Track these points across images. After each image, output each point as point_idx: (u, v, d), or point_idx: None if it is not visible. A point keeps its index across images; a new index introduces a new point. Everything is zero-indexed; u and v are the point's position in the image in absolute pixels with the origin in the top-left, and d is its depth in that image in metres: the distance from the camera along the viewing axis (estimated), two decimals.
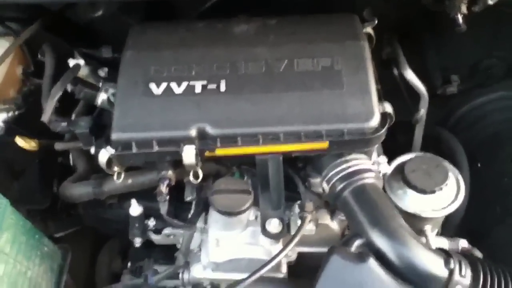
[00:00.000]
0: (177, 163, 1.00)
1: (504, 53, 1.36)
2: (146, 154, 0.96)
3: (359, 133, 0.95)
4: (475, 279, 0.89)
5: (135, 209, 1.07)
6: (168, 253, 1.23)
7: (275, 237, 0.99)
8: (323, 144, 0.96)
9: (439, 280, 0.88)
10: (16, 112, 1.16)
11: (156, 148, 0.95)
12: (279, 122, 0.95)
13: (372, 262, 0.88)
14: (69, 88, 1.07)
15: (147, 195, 1.11)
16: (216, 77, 0.99)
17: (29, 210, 1.18)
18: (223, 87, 0.98)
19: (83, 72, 1.10)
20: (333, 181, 0.98)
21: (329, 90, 0.97)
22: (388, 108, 0.99)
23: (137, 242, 1.12)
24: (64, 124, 1.02)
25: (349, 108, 0.96)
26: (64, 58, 1.14)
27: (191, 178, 1.00)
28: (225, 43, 1.05)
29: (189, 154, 0.94)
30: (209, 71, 1.00)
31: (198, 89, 0.98)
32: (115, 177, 1.02)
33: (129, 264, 1.29)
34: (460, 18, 1.06)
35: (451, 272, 0.88)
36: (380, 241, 0.90)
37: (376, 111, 0.96)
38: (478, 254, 1.06)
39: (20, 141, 1.08)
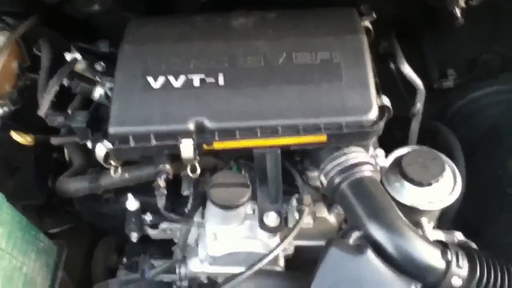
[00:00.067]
0: (175, 157, 1.00)
1: (500, 47, 1.37)
2: (144, 148, 0.95)
3: (358, 126, 0.95)
4: (472, 270, 0.89)
5: (131, 203, 1.07)
6: (164, 248, 1.23)
7: (272, 230, 1.00)
8: (322, 137, 0.96)
9: (436, 271, 0.88)
10: (12, 108, 1.15)
11: (153, 142, 0.95)
12: (278, 115, 0.96)
13: (370, 254, 0.88)
14: (65, 82, 1.06)
15: (143, 189, 1.10)
16: (214, 71, 0.99)
17: (24, 206, 1.17)
18: (221, 81, 0.98)
19: (80, 66, 1.10)
20: (331, 174, 0.98)
21: (328, 83, 0.98)
22: (386, 101, 1.00)
23: (134, 237, 1.11)
24: (60, 118, 1.01)
25: (347, 101, 0.96)
26: (60, 52, 1.13)
27: (188, 172, 1.00)
28: (223, 36, 1.05)
29: (187, 148, 0.94)
30: (207, 65, 1.00)
31: (196, 83, 0.98)
32: (112, 171, 1.02)
33: (124, 259, 1.29)
34: (458, 11, 1.07)
35: (448, 263, 0.89)
36: (378, 233, 0.90)
37: (374, 104, 0.96)
38: (474, 246, 1.06)
39: (15, 136, 1.07)
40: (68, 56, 1.09)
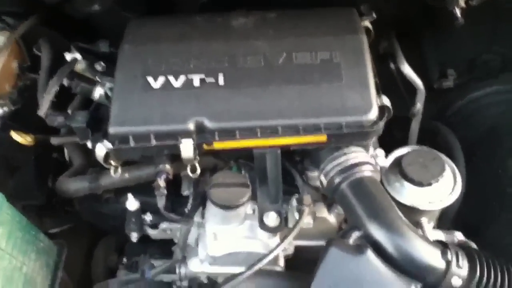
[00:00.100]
0: (175, 157, 1.00)
1: (500, 47, 1.37)
2: (144, 148, 0.95)
3: (358, 126, 0.95)
4: (472, 270, 0.89)
5: (132, 203, 1.06)
6: (164, 248, 1.23)
7: (272, 230, 0.99)
8: (322, 137, 0.96)
9: (436, 271, 0.88)
10: (12, 108, 1.15)
11: (153, 142, 0.95)
12: (278, 115, 0.96)
13: (370, 254, 0.88)
14: (65, 82, 1.06)
15: (143, 189, 1.10)
16: (214, 71, 0.99)
17: (24, 206, 1.17)
18: (221, 81, 0.98)
19: (80, 66, 1.10)
20: (331, 174, 0.98)
21: (328, 83, 0.98)
22: (386, 101, 1.00)
23: (134, 237, 1.11)
24: (61, 118, 1.01)
25: (347, 101, 0.96)
26: (60, 52, 1.13)
27: (188, 172, 1.00)
28: (223, 36, 1.05)
29: (187, 148, 0.94)
30: (207, 65, 1.00)
31: (196, 83, 0.98)
32: (112, 171, 1.02)
33: (124, 259, 1.29)
34: (458, 11, 1.07)
35: (448, 263, 0.89)
36: (378, 233, 0.90)
37: (375, 104, 0.96)
38: (474, 246, 1.06)
39: (15, 136, 1.07)
40: (68, 56, 1.09)
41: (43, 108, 1.01)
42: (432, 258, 0.89)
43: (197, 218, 1.07)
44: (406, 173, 1.04)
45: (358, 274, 0.88)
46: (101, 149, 0.96)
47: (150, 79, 0.99)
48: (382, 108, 0.98)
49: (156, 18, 1.12)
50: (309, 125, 0.95)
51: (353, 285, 0.88)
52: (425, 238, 0.92)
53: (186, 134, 0.94)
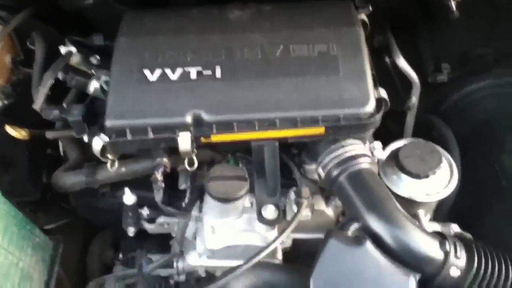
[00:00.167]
0: (172, 150, 1.00)
1: (494, 42, 1.37)
2: (141, 141, 0.95)
3: (355, 118, 0.95)
4: (470, 260, 0.90)
5: (128, 197, 1.06)
6: (160, 243, 1.22)
7: (271, 223, 0.99)
8: (319, 130, 0.96)
9: (434, 262, 0.89)
10: (6, 102, 1.14)
11: (151, 135, 0.94)
12: (275, 108, 0.96)
13: (369, 246, 0.88)
14: (60, 76, 1.05)
15: (140, 184, 1.10)
16: (211, 63, 0.99)
17: (18, 201, 1.15)
18: (218, 73, 0.98)
19: (75, 59, 1.08)
20: (329, 166, 0.98)
21: (325, 75, 0.98)
22: (383, 93, 1.00)
23: (131, 231, 1.10)
24: (56, 112, 1.00)
25: (345, 93, 0.96)
26: (54, 46, 1.12)
27: (186, 165, 1.00)
28: (220, 29, 1.04)
29: (184, 141, 0.94)
30: (204, 57, 0.99)
31: (193, 75, 0.98)
32: (108, 165, 1.01)
33: (120, 255, 1.28)
34: (453, 4, 1.07)
35: (446, 254, 0.89)
36: (376, 225, 0.91)
37: (372, 97, 0.97)
38: (470, 238, 1.07)
39: (10, 130, 1.06)
40: (63, 49, 1.08)
41: (38, 102, 1.00)
42: (431, 249, 0.89)
43: (194, 212, 1.06)
44: (403, 165, 1.05)
45: (357, 266, 0.88)
46: (97, 142, 0.95)
47: (146, 72, 0.98)
48: (379, 101, 0.98)
49: (151, 10, 1.11)
50: (307, 118, 0.95)
51: (352, 277, 0.88)
52: (423, 229, 0.92)
53: (184, 127, 0.94)
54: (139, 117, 0.94)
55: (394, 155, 1.08)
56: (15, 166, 1.23)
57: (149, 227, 1.12)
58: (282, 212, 1.00)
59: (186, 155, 0.96)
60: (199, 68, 0.98)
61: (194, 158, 0.98)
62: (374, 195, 0.94)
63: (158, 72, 0.98)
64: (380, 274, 0.88)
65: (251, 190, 1.00)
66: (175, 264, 1.08)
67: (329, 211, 1.08)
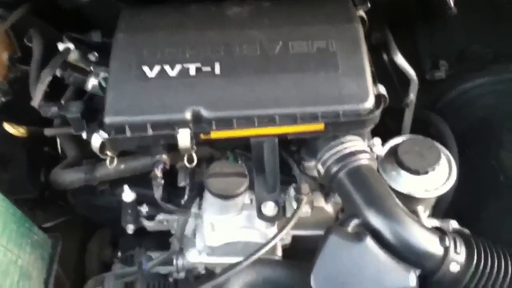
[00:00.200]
0: (171, 147, 0.99)
1: (492, 39, 1.38)
2: (140, 137, 0.94)
3: (355, 114, 0.96)
4: (469, 256, 0.90)
5: (128, 195, 1.05)
6: (159, 241, 1.22)
7: (270, 220, 0.99)
8: (319, 126, 0.96)
9: (435, 257, 0.89)
10: (3, 99, 1.13)
11: (150, 132, 0.94)
12: (275, 104, 0.95)
13: (369, 241, 0.88)
14: (58, 72, 1.05)
15: (139, 181, 1.09)
16: (210, 60, 0.98)
17: (17, 199, 1.15)
18: (217, 70, 0.97)
19: (73, 56, 1.08)
20: (329, 163, 0.98)
21: (324, 72, 0.98)
22: (382, 89, 1.00)
23: (130, 229, 1.10)
24: (54, 109, 0.99)
25: (344, 89, 0.96)
26: (51, 43, 1.12)
27: (185, 162, 0.99)
28: (219, 25, 1.04)
29: (184, 138, 0.94)
30: (203, 54, 0.99)
31: (192, 72, 0.97)
32: (107, 162, 1.00)
33: (119, 253, 1.28)
34: (451, 0, 1.07)
35: (446, 250, 0.89)
36: (376, 221, 0.91)
37: (371, 93, 0.97)
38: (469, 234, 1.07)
39: (8, 127, 1.05)
40: (61, 46, 1.07)
41: (37, 99, 0.99)
42: (431, 244, 0.90)
43: (194, 209, 1.06)
44: (402, 161, 1.05)
45: (357, 261, 0.88)
46: (96, 139, 0.95)
47: (145, 68, 0.98)
48: (378, 97, 0.98)
49: (149, 7, 1.10)
50: (307, 114, 0.95)
51: (352, 272, 0.88)
52: (423, 225, 0.93)
53: (183, 123, 0.94)
54: (138, 113, 0.94)
55: (393, 152, 1.08)
56: (13, 164, 1.23)
57: (148, 224, 1.12)
58: (281, 209, 1.00)
59: (186, 151, 0.96)
60: (198, 65, 0.98)
61: (194, 155, 0.98)
62: (373, 191, 0.94)
63: (157, 68, 0.97)
64: (380, 270, 0.88)
65: (251, 187, 1.00)
66: (174, 262, 1.08)
67: (329, 208, 1.08)
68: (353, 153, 0.97)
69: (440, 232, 0.92)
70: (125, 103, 0.95)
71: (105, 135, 0.94)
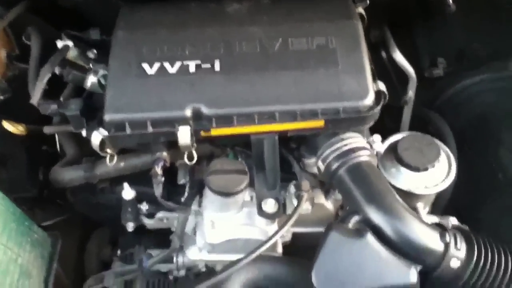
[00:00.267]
0: (171, 144, 0.99)
1: (490, 38, 1.38)
2: (140, 135, 0.94)
3: (355, 111, 0.96)
4: (470, 251, 0.90)
5: (128, 192, 1.05)
6: (158, 239, 1.21)
7: (271, 217, 0.99)
8: (319, 123, 0.96)
9: (435, 253, 0.89)
10: (1, 97, 1.12)
11: (150, 129, 0.94)
12: (275, 101, 0.95)
13: (370, 238, 0.89)
14: (57, 70, 1.05)
15: (138, 179, 1.09)
16: (210, 57, 0.98)
17: (16, 198, 1.14)
18: (217, 67, 0.97)
19: (72, 54, 1.07)
20: (329, 159, 0.98)
21: (324, 68, 0.98)
22: (382, 86, 1.00)
23: (130, 226, 1.10)
24: (54, 106, 0.99)
25: (344, 86, 0.96)
26: (49, 41, 1.11)
27: (185, 159, 0.99)
28: (218, 22, 1.04)
29: (184, 135, 0.93)
30: (203, 51, 0.99)
31: (192, 69, 0.97)
32: (107, 160, 1.00)
33: (118, 251, 1.27)
34: None
35: (446, 246, 0.89)
36: (377, 217, 0.91)
37: (371, 89, 0.97)
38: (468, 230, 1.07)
39: (7, 125, 1.05)
40: (60, 44, 1.07)
41: (36, 97, 0.99)
42: (431, 240, 0.90)
43: (194, 206, 1.06)
44: (402, 158, 1.05)
45: (358, 258, 0.88)
46: (96, 137, 0.95)
47: (145, 65, 0.97)
48: (378, 93, 0.98)
49: (148, 4, 1.10)
50: (307, 111, 0.95)
51: (353, 269, 0.88)
52: (423, 221, 0.93)
53: (183, 120, 0.94)
54: (138, 111, 0.94)
55: (393, 148, 1.08)
56: (12, 163, 1.22)
57: (148, 222, 1.11)
58: (282, 206, 1.00)
59: (186, 149, 0.96)
60: (198, 62, 0.98)
61: (194, 152, 0.98)
62: (374, 187, 0.94)
63: (156, 65, 0.97)
64: (381, 266, 0.88)
65: (251, 184, 1.00)
66: (175, 259, 1.08)
67: (329, 205, 1.08)
68: (353, 150, 0.97)
69: (441, 228, 0.93)
70: (125, 100, 0.95)
71: (105, 133, 0.94)
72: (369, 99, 0.96)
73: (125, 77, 0.97)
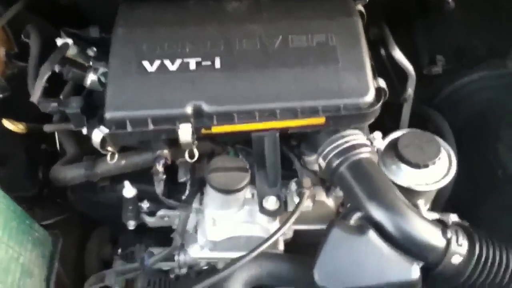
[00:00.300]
0: (171, 142, 0.99)
1: (489, 35, 1.38)
2: (141, 132, 0.94)
3: (355, 108, 0.96)
4: (471, 248, 0.91)
5: (128, 190, 1.05)
6: (158, 238, 1.21)
7: (272, 214, 0.99)
8: (320, 120, 0.96)
9: (437, 249, 0.89)
10: (0, 96, 1.12)
11: (151, 127, 0.94)
12: (276, 99, 0.95)
13: (371, 234, 0.89)
14: (57, 68, 1.04)
15: (139, 177, 1.09)
16: (210, 54, 0.98)
17: (15, 197, 1.14)
18: (218, 64, 0.97)
19: (72, 52, 1.07)
20: (330, 156, 0.98)
21: (325, 66, 0.98)
22: (382, 83, 1.00)
23: (131, 225, 1.10)
24: (54, 104, 0.99)
25: (344, 83, 0.96)
26: (48, 40, 1.11)
27: (186, 157, 0.99)
28: (218, 20, 1.04)
29: (185, 132, 0.93)
30: (203, 48, 0.99)
31: (192, 66, 0.97)
32: (108, 157, 1.00)
33: (119, 250, 1.27)
34: None
35: (448, 242, 0.90)
36: (378, 214, 0.91)
37: (372, 86, 0.97)
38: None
39: (8, 124, 1.04)
40: (59, 41, 1.06)
41: (36, 94, 0.98)
42: (433, 236, 0.90)
43: (195, 204, 1.06)
44: (402, 155, 1.05)
45: (360, 254, 0.89)
46: (97, 134, 0.94)
47: (145, 63, 0.97)
48: (378, 90, 0.99)
49: (147, 1, 1.10)
50: (307, 108, 0.95)
51: (355, 265, 0.89)
52: (425, 217, 0.93)
53: (184, 118, 0.94)
54: (139, 108, 0.94)
55: (393, 145, 1.08)
56: (11, 162, 1.21)
57: (149, 220, 1.11)
58: (283, 203, 1.00)
59: (187, 146, 0.96)
60: (198, 59, 0.97)
61: (195, 150, 0.97)
62: (375, 184, 0.95)
63: (157, 63, 0.97)
64: (383, 263, 0.89)
65: (252, 182, 1.00)
66: (176, 257, 1.08)
67: (330, 202, 1.08)
68: (354, 147, 0.98)
69: (442, 225, 0.93)
70: (125, 98, 0.94)
71: (106, 130, 0.94)
72: (370, 96, 0.96)
73: (126, 75, 0.96)
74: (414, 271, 0.88)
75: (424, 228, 0.90)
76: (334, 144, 0.98)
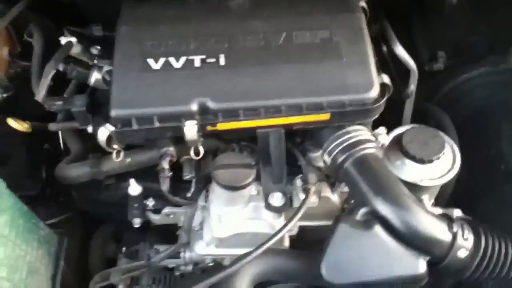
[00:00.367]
0: (177, 140, 0.99)
1: (489, 31, 1.39)
2: (147, 130, 0.94)
3: (360, 103, 0.96)
4: (477, 242, 0.91)
5: (134, 188, 1.05)
6: (163, 235, 1.22)
7: (278, 210, 1.00)
8: (325, 116, 0.97)
9: (443, 244, 0.90)
10: (4, 95, 1.12)
11: (157, 124, 0.94)
12: (280, 95, 0.96)
13: (378, 229, 0.89)
14: (61, 67, 1.04)
15: (144, 175, 1.09)
16: (215, 51, 0.98)
17: (18, 196, 1.14)
18: (222, 61, 0.97)
19: (75, 50, 1.07)
20: (335, 152, 0.98)
21: (329, 61, 0.98)
22: (386, 79, 1.01)
23: (137, 223, 1.10)
24: (59, 102, 0.99)
25: (349, 79, 0.97)
26: (51, 39, 1.11)
27: (192, 154, 0.99)
28: (222, 17, 1.04)
29: (190, 129, 0.94)
30: (207, 45, 0.99)
31: (197, 63, 0.97)
32: (114, 155, 1.00)
33: (123, 248, 1.27)
34: None
35: (454, 236, 0.90)
36: (384, 209, 0.91)
37: (376, 82, 0.97)
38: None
39: (13, 123, 1.04)
40: (63, 40, 1.06)
41: (41, 93, 0.98)
42: (439, 231, 0.90)
43: (201, 201, 1.06)
44: (407, 150, 1.05)
45: (367, 249, 0.89)
46: (103, 132, 0.95)
47: (150, 60, 0.97)
48: (383, 86, 0.99)
49: None
50: (312, 104, 0.96)
51: (362, 260, 0.89)
52: (430, 212, 0.93)
53: (190, 115, 0.94)
54: (144, 106, 0.94)
55: (398, 141, 1.08)
56: (14, 162, 1.22)
57: (154, 218, 1.11)
58: (289, 200, 1.00)
59: (193, 144, 0.96)
60: (203, 56, 0.98)
61: (200, 147, 0.98)
62: (381, 179, 0.95)
63: (161, 60, 0.97)
64: (390, 257, 0.89)
65: (257, 178, 1.00)
66: (182, 254, 1.08)
67: (335, 198, 1.08)
68: (359, 142, 0.98)
69: (448, 219, 0.93)
70: (131, 96, 0.94)
71: (112, 128, 0.94)
72: (374, 92, 0.97)
73: (131, 73, 0.96)
74: (421, 266, 0.89)
75: (430, 222, 0.91)
76: (339, 140, 0.98)
